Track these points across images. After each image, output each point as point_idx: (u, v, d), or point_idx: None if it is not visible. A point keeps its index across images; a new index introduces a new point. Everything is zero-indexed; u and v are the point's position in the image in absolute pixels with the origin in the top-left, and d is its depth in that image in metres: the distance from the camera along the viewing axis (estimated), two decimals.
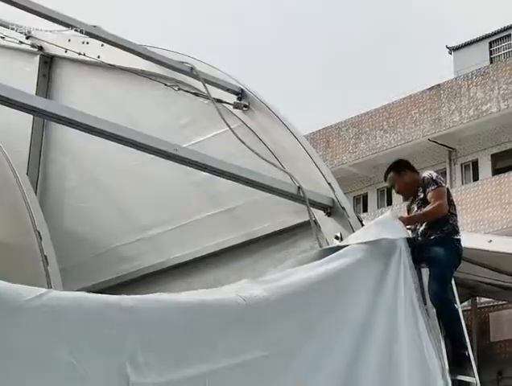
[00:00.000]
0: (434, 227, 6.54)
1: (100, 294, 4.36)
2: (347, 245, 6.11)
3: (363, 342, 5.64)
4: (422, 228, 6.62)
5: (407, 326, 5.98)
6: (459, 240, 6.59)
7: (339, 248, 6.08)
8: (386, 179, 7.08)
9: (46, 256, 7.52)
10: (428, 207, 6.55)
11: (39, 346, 3.92)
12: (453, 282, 6.58)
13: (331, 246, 6.22)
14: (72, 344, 4.02)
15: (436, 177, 6.70)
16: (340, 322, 5.58)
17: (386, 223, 6.42)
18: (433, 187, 6.59)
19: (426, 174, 6.77)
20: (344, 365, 5.44)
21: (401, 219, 6.50)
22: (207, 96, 7.18)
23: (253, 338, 4.93)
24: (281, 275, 5.59)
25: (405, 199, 7.10)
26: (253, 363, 4.84)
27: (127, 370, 4.17)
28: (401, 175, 6.88)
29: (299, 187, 6.61)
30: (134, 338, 4.29)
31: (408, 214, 6.91)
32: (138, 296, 4.55)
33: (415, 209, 6.78)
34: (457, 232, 6.61)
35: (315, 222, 6.73)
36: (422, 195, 6.69)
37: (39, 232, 7.58)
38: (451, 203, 6.70)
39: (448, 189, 6.76)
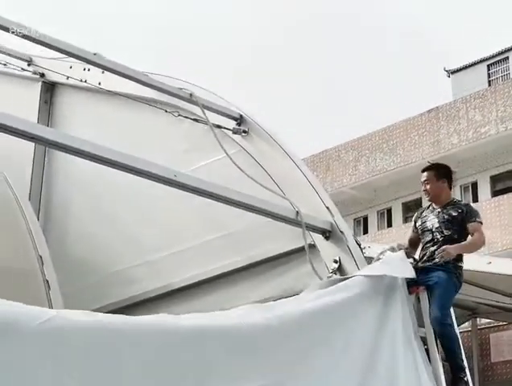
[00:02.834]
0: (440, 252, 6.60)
1: (101, 319, 4.38)
2: (351, 277, 6.19)
3: (365, 373, 5.69)
4: (432, 249, 6.68)
5: (406, 359, 6.03)
6: (461, 267, 6.67)
7: (342, 279, 6.16)
8: (423, 171, 7.13)
9: (48, 281, 7.55)
10: (474, 240, 6.66)
11: (41, 373, 3.95)
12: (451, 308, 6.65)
13: (337, 277, 6.28)
14: (73, 371, 4.05)
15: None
16: (341, 354, 5.61)
17: (395, 262, 6.50)
18: (478, 220, 6.74)
19: (471, 204, 7.05)
20: None
21: (445, 251, 6.53)
22: (206, 122, 7.27)
23: (254, 366, 4.95)
24: (283, 303, 5.63)
25: (429, 199, 7.08)
26: None
27: None
28: (437, 180, 6.97)
29: (297, 212, 6.67)
30: (133, 366, 4.33)
31: (419, 224, 6.96)
32: (139, 320, 4.58)
33: (435, 221, 6.82)
34: (461, 260, 6.69)
35: (314, 246, 6.80)
36: (455, 214, 6.76)
37: (40, 257, 7.62)
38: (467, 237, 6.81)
39: None
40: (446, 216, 6.76)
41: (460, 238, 6.67)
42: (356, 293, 6.00)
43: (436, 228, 6.75)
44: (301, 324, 5.42)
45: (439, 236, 6.70)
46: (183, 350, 4.62)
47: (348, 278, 6.16)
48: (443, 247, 6.54)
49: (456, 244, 6.61)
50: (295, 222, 6.71)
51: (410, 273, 6.43)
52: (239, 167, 6.94)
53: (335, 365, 5.52)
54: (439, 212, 6.84)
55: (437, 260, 6.56)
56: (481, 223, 6.78)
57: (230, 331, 4.93)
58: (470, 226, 6.69)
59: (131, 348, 4.34)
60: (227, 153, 7.07)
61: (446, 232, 6.69)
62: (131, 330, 4.40)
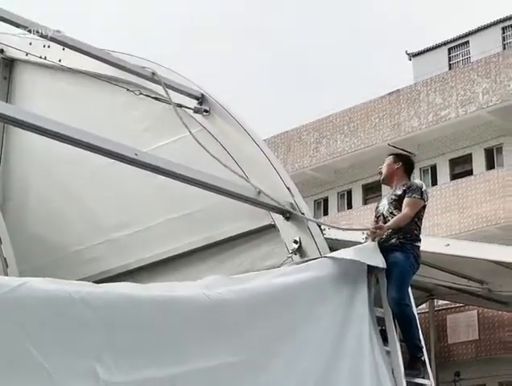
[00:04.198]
0: (397, 232, 6.63)
1: (68, 290, 4.34)
2: (321, 257, 6.25)
3: (331, 353, 5.74)
4: (387, 231, 6.72)
5: (368, 341, 6.10)
6: (418, 247, 6.70)
7: (313, 259, 6.21)
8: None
9: (5, 259, 7.53)
10: (397, 217, 6.66)
11: (7, 344, 3.94)
12: (409, 287, 6.71)
13: (308, 258, 6.34)
14: (39, 342, 4.04)
15: (424, 190, 6.81)
16: (309, 335, 5.63)
17: (367, 251, 6.52)
18: (415, 195, 6.70)
19: (418, 182, 6.94)
20: (311, 376, 5.50)
21: (378, 231, 6.60)
22: (168, 101, 7.23)
23: (222, 343, 4.95)
24: (248, 277, 5.63)
25: (381, 180, 7.25)
26: (222, 368, 4.87)
27: (97, 369, 4.21)
28: (393, 162, 7.04)
29: (259, 192, 6.68)
30: (100, 339, 4.32)
31: (376, 208, 7.02)
32: (105, 292, 4.55)
33: (385, 202, 6.88)
34: (418, 241, 6.73)
35: (274, 226, 6.82)
36: (400, 193, 6.78)
37: None
38: (420, 217, 6.81)
39: (425, 205, 6.85)
40: (393, 196, 6.83)
41: None
42: (325, 273, 6.04)
43: (386, 210, 6.82)
44: (271, 300, 5.43)
45: (389, 217, 6.76)
46: (150, 326, 4.61)
47: (318, 258, 6.21)
48: (377, 226, 6.65)
49: (386, 225, 6.69)
50: (256, 202, 6.72)
51: (382, 263, 6.48)
52: (202, 145, 6.89)
53: (303, 347, 5.54)
54: (390, 194, 6.93)
55: (393, 241, 6.62)
56: (420, 198, 6.73)
57: (196, 304, 4.91)
58: (404, 201, 6.73)
59: (97, 325, 4.33)
60: (190, 131, 7.02)
61: (395, 212, 6.74)
62: (96, 299, 4.39)
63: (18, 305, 4.03)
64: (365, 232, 6.83)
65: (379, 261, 6.47)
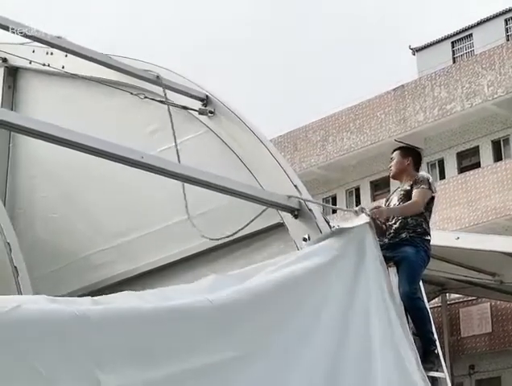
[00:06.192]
0: (407, 227, 6.65)
1: (61, 306, 4.35)
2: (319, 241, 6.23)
3: (339, 340, 5.69)
4: (396, 226, 6.72)
5: (381, 325, 6.06)
6: (429, 241, 6.71)
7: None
8: (392, 152, 7.27)
9: (16, 267, 7.54)
10: (406, 203, 6.67)
11: (5, 364, 3.93)
12: (421, 282, 6.70)
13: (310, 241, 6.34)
14: (39, 359, 4.02)
15: (431, 181, 6.84)
16: (313, 320, 5.61)
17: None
18: (423, 186, 6.72)
19: (424, 174, 6.97)
20: (319, 363, 5.46)
21: (377, 209, 6.52)
22: (173, 104, 7.23)
23: (223, 340, 4.97)
24: (248, 273, 5.65)
25: (391, 176, 7.25)
26: (223, 364, 4.87)
27: (97, 375, 4.21)
28: (402, 158, 7.05)
29: (267, 191, 6.67)
30: (98, 347, 4.31)
31: (385, 204, 7.03)
32: (105, 306, 4.56)
33: (395, 199, 6.88)
34: (428, 235, 6.73)
35: (283, 224, 6.81)
36: (408, 188, 6.81)
37: (8, 244, 7.60)
38: (429, 209, 6.83)
39: (434, 197, 6.86)
40: (402, 192, 6.86)
41: None
42: (324, 258, 5.99)
43: (395, 205, 6.82)
44: (270, 293, 5.42)
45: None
46: (152, 332, 4.63)
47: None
48: (376, 205, 6.66)
49: (390, 207, 6.76)
50: (264, 201, 6.71)
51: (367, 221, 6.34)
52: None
53: (309, 331, 5.52)
54: (399, 190, 6.93)
55: (403, 235, 6.61)
56: (428, 189, 6.75)
57: (197, 309, 4.94)
58: (413, 192, 6.74)
59: (95, 334, 4.33)
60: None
61: None
62: (97, 317, 4.39)
63: (15, 326, 4.02)
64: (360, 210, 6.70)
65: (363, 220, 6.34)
